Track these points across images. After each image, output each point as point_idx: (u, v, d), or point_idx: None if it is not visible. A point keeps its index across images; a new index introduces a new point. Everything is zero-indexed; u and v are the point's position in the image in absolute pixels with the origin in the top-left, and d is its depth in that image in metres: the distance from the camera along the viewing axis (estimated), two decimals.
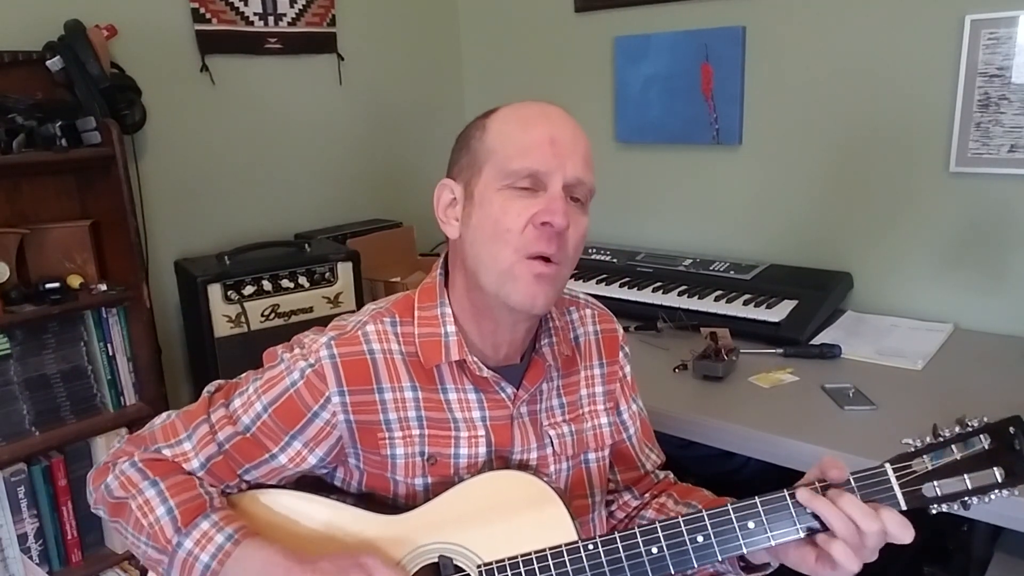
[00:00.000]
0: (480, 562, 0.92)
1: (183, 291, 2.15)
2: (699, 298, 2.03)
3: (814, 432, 1.41)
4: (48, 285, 1.79)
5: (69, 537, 1.84)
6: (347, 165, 2.59)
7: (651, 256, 2.31)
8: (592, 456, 1.09)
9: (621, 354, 1.14)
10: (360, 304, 1.97)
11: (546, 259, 0.91)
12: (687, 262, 2.22)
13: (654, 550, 0.88)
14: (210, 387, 1.03)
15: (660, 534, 0.88)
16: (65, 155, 1.74)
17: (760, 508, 0.86)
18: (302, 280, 2.12)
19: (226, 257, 2.07)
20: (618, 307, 2.02)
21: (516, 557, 0.91)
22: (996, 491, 0.81)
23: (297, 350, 0.98)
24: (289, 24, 2.37)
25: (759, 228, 2.26)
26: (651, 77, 2.36)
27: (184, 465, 0.96)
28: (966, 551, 1.53)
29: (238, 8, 2.26)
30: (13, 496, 1.75)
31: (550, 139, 0.92)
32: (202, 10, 2.18)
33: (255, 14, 2.30)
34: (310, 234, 2.39)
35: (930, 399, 1.53)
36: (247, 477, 0.98)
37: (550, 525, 0.92)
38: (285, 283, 2.09)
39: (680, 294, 2.07)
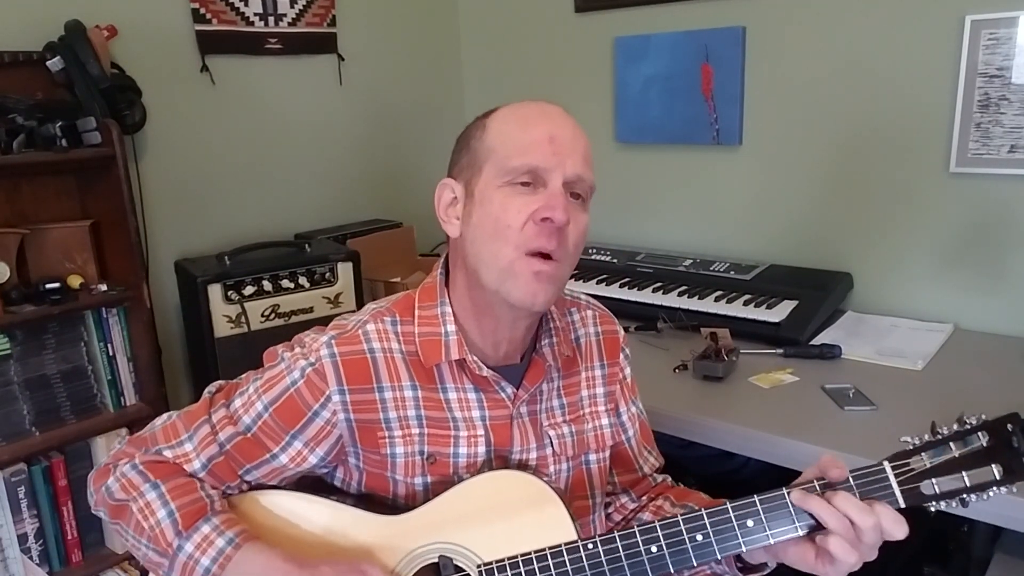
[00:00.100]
0: (480, 562, 0.93)
1: (183, 291, 2.15)
2: (699, 298, 2.03)
3: (814, 432, 1.41)
4: (48, 285, 1.79)
5: (69, 537, 1.84)
6: (347, 165, 2.59)
7: (651, 256, 2.31)
8: (593, 457, 1.09)
9: (622, 356, 1.14)
10: (360, 304, 1.97)
11: (546, 256, 0.91)
12: (687, 262, 2.22)
13: (653, 549, 0.88)
14: (211, 388, 1.03)
15: (659, 533, 0.88)
16: (65, 155, 1.74)
17: (759, 507, 0.86)
18: (302, 280, 2.12)
19: (226, 257, 2.07)
20: (618, 307, 2.02)
21: (516, 557, 0.91)
22: (994, 488, 0.81)
23: (298, 349, 0.99)
24: (289, 24, 2.37)
25: (759, 228, 2.26)
26: (651, 77, 2.36)
27: (185, 466, 0.96)
28: (966, 551, 1.53)
29: (238, 8, 2.26)
30: (13, 496, 1.75)
31: (549, 137, 0.92)
32: (202, 10, 2.18)
33: (255, 14, 2.30)
34: (310, 234, 2.39)
35: (930, 399, 1.53)
36: (248, 477, 0.98)
37: (550, 525, 0.92)
38: (285, 283, 2.09)
39: (680, 294, 2.07)
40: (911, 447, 0.84)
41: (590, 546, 0.89)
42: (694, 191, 2.38)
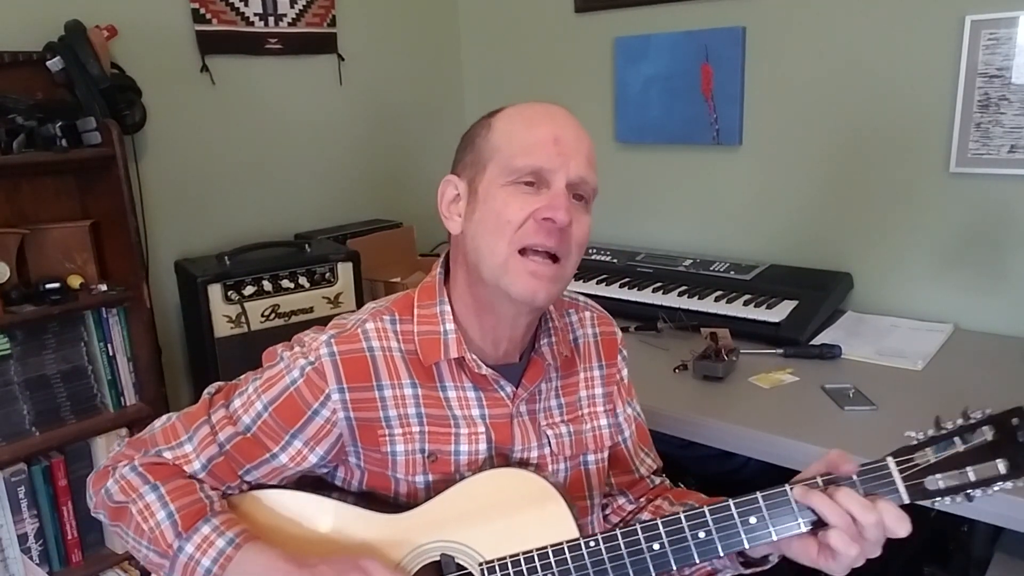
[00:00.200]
0: (482, 560, 0.92)
1: (183, 291, 2.15)
2: (699, 298, 2.03)
3: (814, 432, 1.41)
4: (48, 285, 1.79)
5: (69, 537, 1.84)
6: (347, 165, 2.59)
7: (651, 256, 2.31)
8: (591, 458, 1.09)
9: (620, 357, 1.15)
10: (360, 304, 1.96)
11: (552, 257, 0.92)
12: (687, 262, 2.22)
13: (656, 546, 0.88)
14: (210, 388, 1.03)
15: (662, 530, 0.88)
16: (65, 155, 1.74)
17: (762, 503, 0.86)
18: (302, 280, 2.12)
19: (226, 257, 2.07)
20: (618, 307, 2.04)
21: (518, 555, 0.91)
22: (1000, 483, 0.80)
23: (297, 349, 0.99)
24: (289, 24, 2.37)
25: (759, 228, 2.26)
26: (651, 77, 2.36)
27: (185, 467, 0.96)
28: (966, 551, 1.53)
29: (238, 8, 2.26)
30: (13, 496, 1.75)
31: (554, 138, 0.93)
32: (202, 10, 2.18)
33: (255, 14, 2.30)
34: (310, 234, 2.39)
35: (930, 399, 1.52)
36: (248, 478, 0.98)
37: (551, 522, 0.92)
38: (285, 283, 2.09)
39: (680, 294, 2.07)
40: (915, 442, 0.83)
41: (592, 544, 0.89)
42: (694, 191, 2.38)
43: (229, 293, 2.01)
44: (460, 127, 1.01)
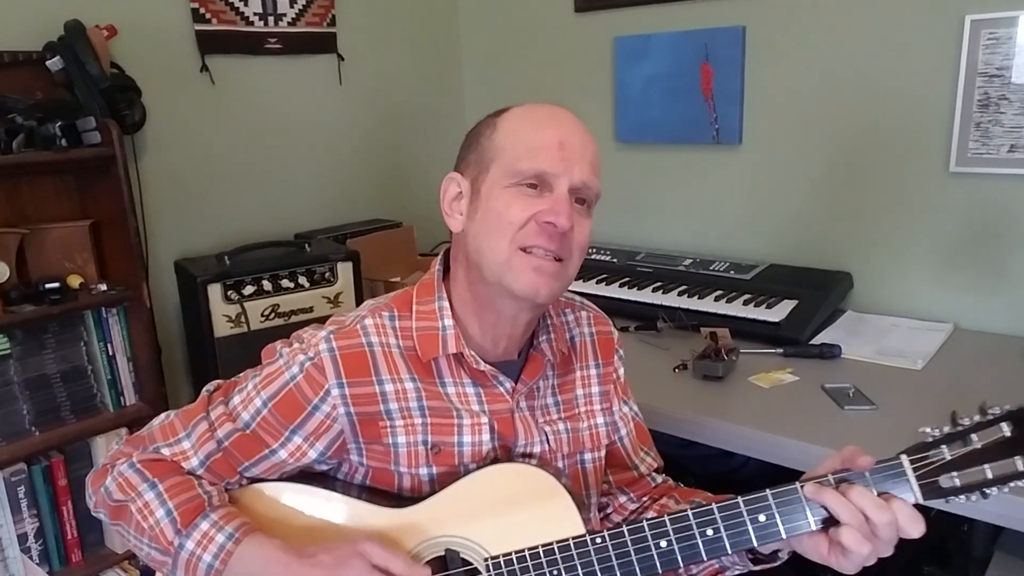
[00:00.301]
0: (487, 555, 0.92)
1: (183, 291, 2.15)
2: (699, 298, 2.03)
3: (814, 432, 1.41)
4: (48, 285, 1.79)
5: (69, 537, 1.84)
6: (347, 165, 2.59)
7: (651, 256, 2.31)
8: (588, 456, 1.09)
9: (616, 356, 1.15)
10: (360, 304, 1.97)
11: (556, 258, 0.92)
12: (687, 262, 2.22)
13: (663, 544, 0.87)
14: (209, 386, 1.03)
15: (669, 527, 0.87)
16: (65, 155, 1.74)
17: (771, 500, 0.85)
18: (302, 280, 2.12)
19: (226, 257, 2.07)
20: (618, 307, 2.04)
21: (523, 551, 0.91)
22: (1018, 481, 0.78)
23: (296, 345, 0.99)
24: (289, 24, 2.37)
25: (759, 228, 2.26)
26: (651, 77, 2.36)
27: (183, 464, 0.96)
28: (966, 551, 1.53)
29: (238, 8, 2.26)
30: (13, 496, 1.75)
31: (559, 142, 0.93)
32: (202, 10, 2.18)
33: (255, 14, 2.30)
34: (310, 234, 2.39)
35: (930, 399, 1.52)
36: (247, 474, 0.98)
37: (557, 518, 0.92)
38: (285, 283, 2.09)
39: (680, 294, 2.07)
40: (930, 439, 0.81)
41: (598, 540, 0.89)
42: (694, 191, 2.38)
43: (229, 293, 2.01)
44: (460, 127, 1.01)
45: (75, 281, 1.84)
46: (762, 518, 0.85)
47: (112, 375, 1.91)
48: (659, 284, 2.14)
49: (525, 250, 0.92)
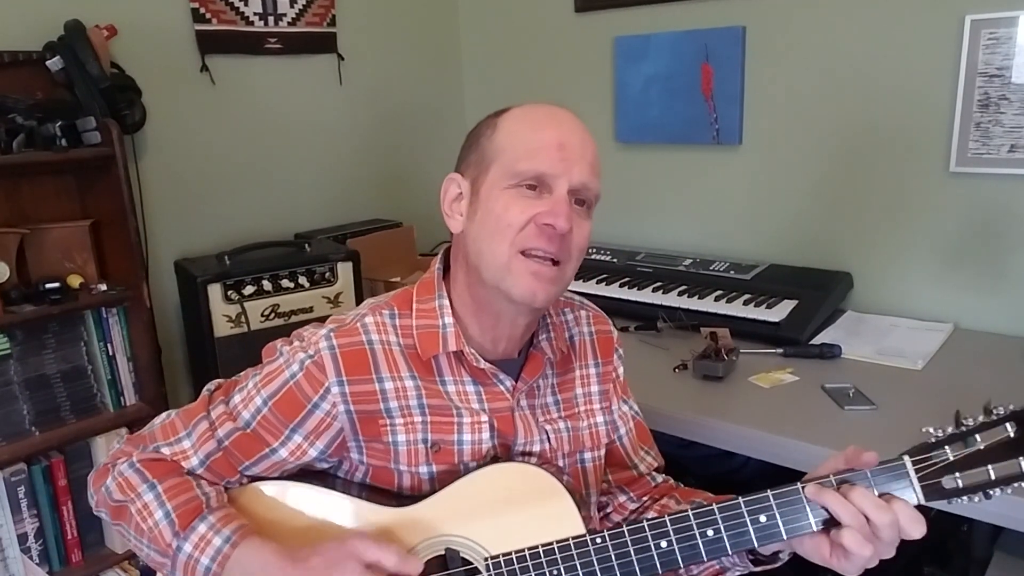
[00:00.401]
0: (487, 555, 0.92)
1: (183, 291, 2.15)
2: (699, 298, 2.03)
3: (814, 432, 1.41)
4: (48, 285, 1.79)
5: (69, 537, 1.84)
6: (347, 165, 2.59)
7: (651, 256, 2.31)
8: (588, 455, 1.09)
9: (616, 355, 1.15)
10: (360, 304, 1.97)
11: (552, 261, 0.92)
12: (687, 262, 2.22)
13: (663, 544, 0.87)
14: (210, 386, 1.03)
15: (669, 528, 0.87)
16: (65, 155, 1.74)
17: (772, 501, 0.85)
18: (302, 280, 2.12)
19: (226, 257, 2.07)
20: (618, 307, 2.04)
21: (523, 550, 0.91)
22: (1021, 482, 0.77)
23: (296, 343, 0.99)
24: (289, 24, 2.37)
25: (759, 228, 2.26)
26: (651, 77, 2.36)
27: (183, 463, 0.96)
28: (966, 551, 1.53)
29: (238, 8, 2.26)
30: (13, 496, 1.75)
31: (559, 143, 0.93)
32: (202, 10, 2.18)
33: (255, 14, 2.30)
34: (310, 234, 2.39)
35: (930, 399, 1.53)
36: (248, 473, 0.98)
37: (557, 518, 0.92)
38: (285, 283, 2.09)
39: (680, 294, 2.07)
40: (933, 440, 0.81)
41: (598, 540, 0.89)
42: (694, 191, 2.38)
43: (229, 293, 2.01)
44: (460, 127, 1.01)
45: (75, 281, 1.84)
46: (763, 519, 0.85)
47: (112, 375, 1.91)
48: (659, 284, 2.14)
49: (524, 253, 0.92)
